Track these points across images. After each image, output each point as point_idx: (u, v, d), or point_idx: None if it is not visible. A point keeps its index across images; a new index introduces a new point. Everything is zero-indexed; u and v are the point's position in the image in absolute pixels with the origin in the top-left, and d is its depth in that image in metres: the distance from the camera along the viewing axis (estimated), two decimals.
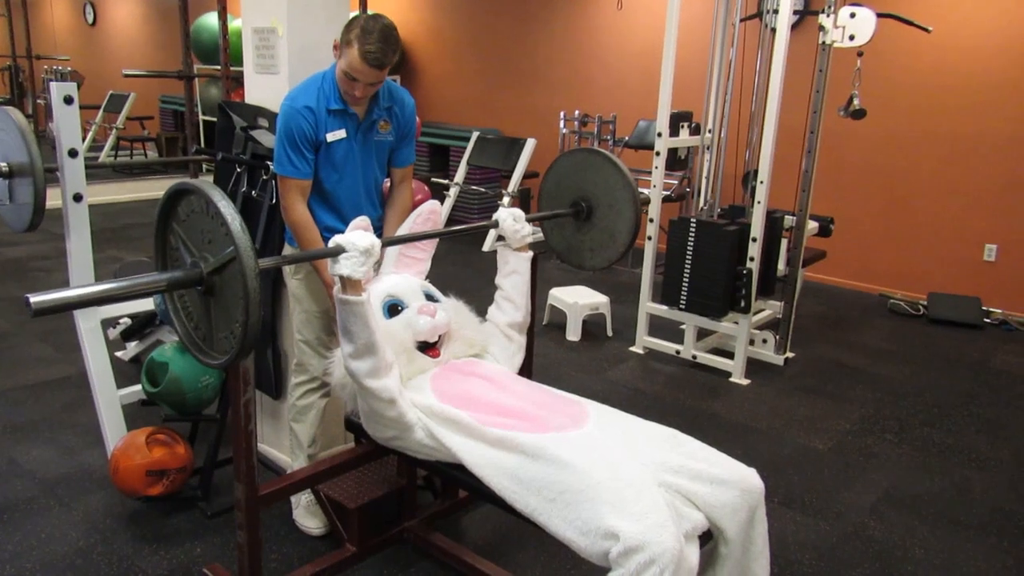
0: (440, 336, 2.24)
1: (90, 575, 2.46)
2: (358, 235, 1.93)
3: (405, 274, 2.39)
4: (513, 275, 2.43)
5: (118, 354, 4.01)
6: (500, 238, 2.46)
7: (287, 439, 2.84)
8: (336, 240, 1.93)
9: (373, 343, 1.96)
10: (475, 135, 7.43)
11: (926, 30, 4.38)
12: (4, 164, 2.74)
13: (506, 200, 7.01)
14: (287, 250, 2.67)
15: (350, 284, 1.93)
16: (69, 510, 2.80)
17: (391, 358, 2.04)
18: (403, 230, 2.45)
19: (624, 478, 1.72)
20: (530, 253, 2.44)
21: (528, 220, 2.42)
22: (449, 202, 7.43)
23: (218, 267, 1.65)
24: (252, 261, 1.54)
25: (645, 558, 1.57)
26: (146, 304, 3.42)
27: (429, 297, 2.31)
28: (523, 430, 1.90)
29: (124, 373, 3.72)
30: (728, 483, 1.82)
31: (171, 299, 1.83)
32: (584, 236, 2.64)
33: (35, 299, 1.42)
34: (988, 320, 5.32)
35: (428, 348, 2.21)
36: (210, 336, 1.73)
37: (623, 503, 1.66)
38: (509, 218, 2.38)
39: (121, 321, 4.07)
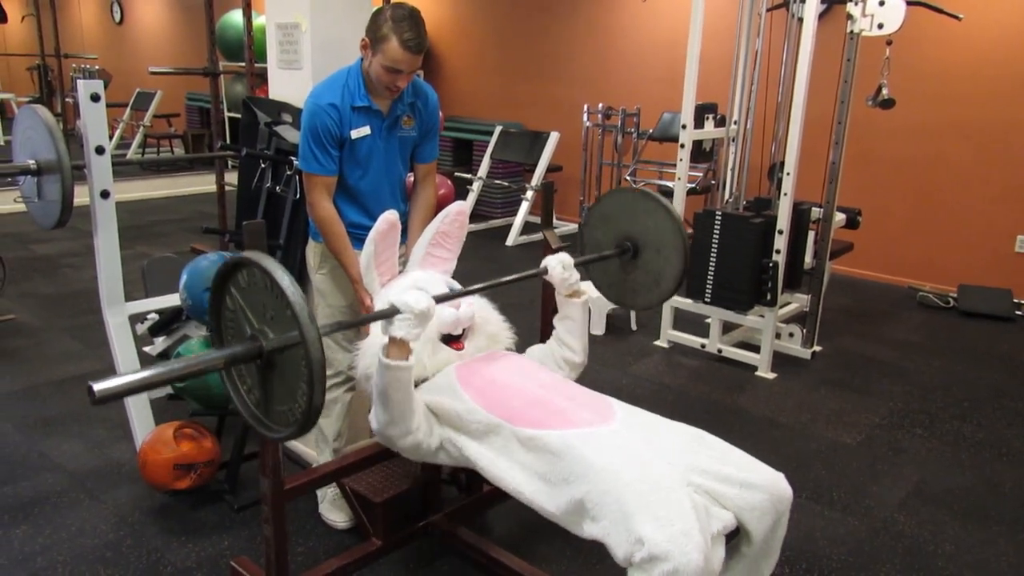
0: (464, 330, 2.24)
1: (120, 567, 2.49)
2: (413, 297, 1.87)
3: (431, 270, 2.39)
4: (566, 320, 2.37)
5: (145, 349, 4.04)
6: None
7: (312, 433, 2.85)
8: (391, 301, 1.88)
9: (410, 409, 1.96)
10: (498, 129, 7.42)
11: (957, 18, 4.31)
12: (33, 162, 2.77)
13: (529, 194, 6.99)
14: (311, 245, 2.68)
15: (398, 347, 1.89)
16: (99, 503, 2.83)
17: (422, 416, 2.02)
18: (430, 231, 2.44)
19: (651, 480, 1.70)
20: (583, 298, 2.36)
21: (576, 264, 2.35)
22: (472, 196, 7.43)
23: (280, 348, 1.58)
24: (319, 353, 1.46)
25: (669, 568, 1.56)
26: (173, 299, 3.45)
27: None
28: (550, 424, 1.89)
29: None
30: (757, 487, 1.79)
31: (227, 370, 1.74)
32: (628, 276, 2.56)
33: (98, 387, 1.37)
34: (1020, 312, 5.22)
35: (452, 341, 2.22)
36: (265, 406, 1.67)
37: (649, 507, 1.64)
38: (558, 266, 2.30)
39: (148, 316, 4.10)
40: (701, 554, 1.57)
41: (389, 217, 2.22)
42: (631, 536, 1.62)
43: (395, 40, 2.28)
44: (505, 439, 1.93)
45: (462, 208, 2.47)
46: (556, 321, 2.41)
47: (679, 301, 4.46)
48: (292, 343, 1.53)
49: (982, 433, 3.57)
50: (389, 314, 1.87)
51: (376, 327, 2.25)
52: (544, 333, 2.63)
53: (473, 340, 2.26)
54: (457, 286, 2.37)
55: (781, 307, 4.34)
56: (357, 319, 2.15)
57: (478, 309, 2.29)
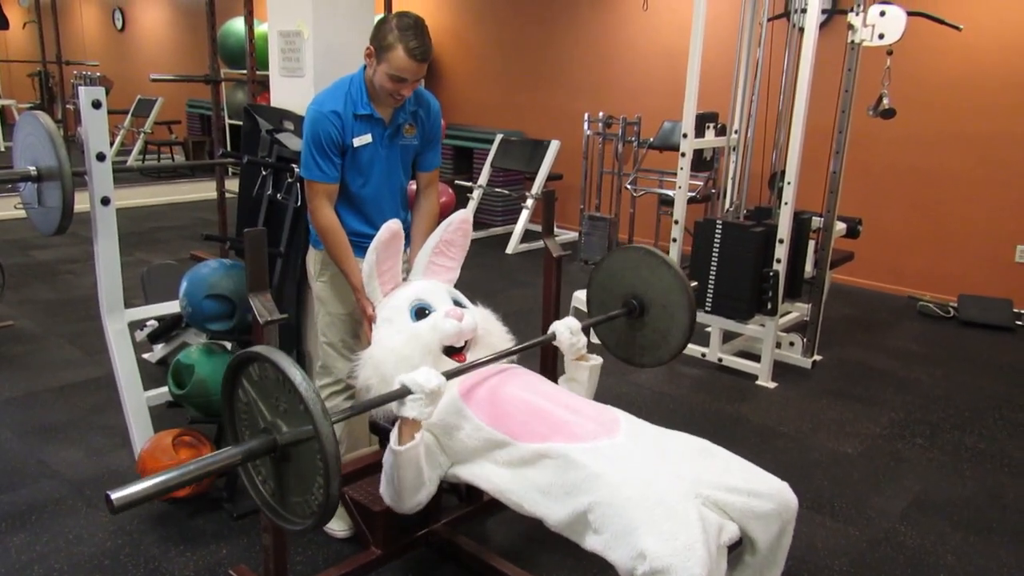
0: (466, 341, 2.23)
1: None
2: (423, 375, 1.85)
3: (434, 280, 2.38)
4: (572, 383, 2.35)
5: (145, 356, 4.05)
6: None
7: None
8: (402, 381, 1.85)
9: (422, 481, 1.95)
10: (499, 137, 7.42)
11: (957, 28, 4.31)
12: (33, 168, 2.77)
13: (530, 202, 6.99)
14: (311, 252, 2.67)
15: (409, 427, 1.88)
16: (97, 511, 2.82)
17: (428, 473, 2.01)
18: (433, 239, 2.44)
19: (656, 494, 1.69)
20: (591, 363, 2.34)
21: (584, 327, 2.33)
22: (472, 204, 7.43)
23: (294, 442, 1.57)
24: (334, 447, 1.45)
25: None
26: (172, 307, 3.44)
27: (457, 303, 2.30)
28: (554, 437, 1.88)
29: (151, 375, 3.75)
30: (765, 496, 1.78)
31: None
32: (635, 334, 2.54)
33: (116, 496, 1.37)
34: (1020, 322, 5.22)
35: (454, 353, 2.21)
36: (281, 497, 1.66)
37: (653, 520, 1.63)
38: (566, 331, 2.28)
39: (148, 324, 4.10)
40: (704, 569, 1.56)
41: (392, 226, 2.22)
42: (634, 550, 1.61)
43: (401, 49, 2.28)
44: (509, 454, 1.92)
45: (466, 217, 2.47)
46: (562, 382, 2.38)
47: None
48: (306, 437, 1.52)
49: (983, 443, 3.56)
50: (400, 395, 1.84)
51: (377, 335, 2.25)
52: (544, 363, 2.63)
53: (475, 352, 2.25)
54: (460, 296, 2.36)
55: (781, 316, 4.34)
56: (373, 402, 1.99)
57: (480, 320, 2.28)
